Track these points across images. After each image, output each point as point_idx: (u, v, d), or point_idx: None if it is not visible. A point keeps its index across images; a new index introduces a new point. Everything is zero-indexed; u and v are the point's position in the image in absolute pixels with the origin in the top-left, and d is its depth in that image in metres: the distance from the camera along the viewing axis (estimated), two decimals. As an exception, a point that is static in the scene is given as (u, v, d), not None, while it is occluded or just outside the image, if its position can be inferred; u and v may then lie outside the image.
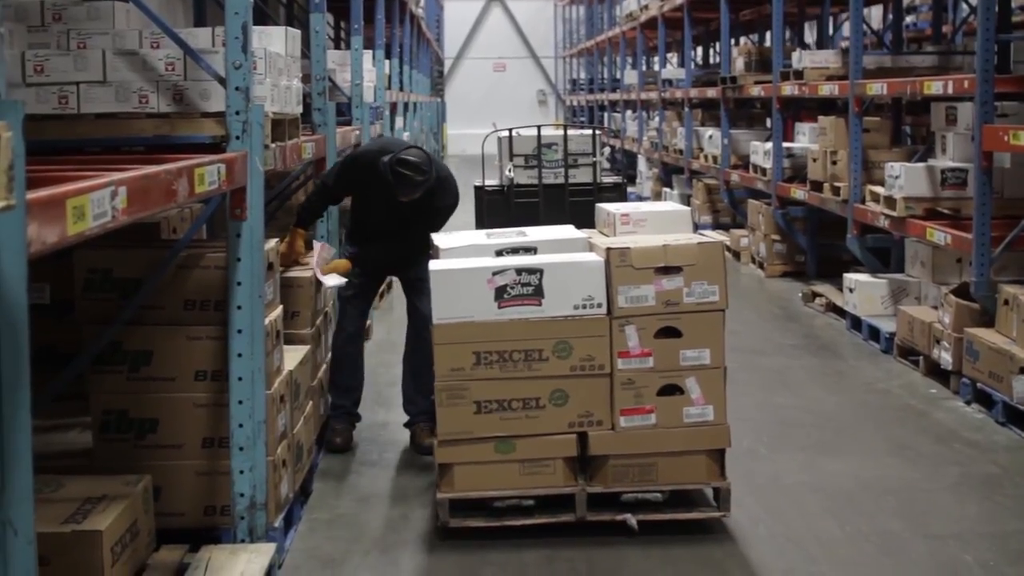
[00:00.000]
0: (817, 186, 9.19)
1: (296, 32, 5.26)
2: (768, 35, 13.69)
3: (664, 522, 4.46)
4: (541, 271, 4.42)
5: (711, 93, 12.98)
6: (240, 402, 3.98)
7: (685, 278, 4.44)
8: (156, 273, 4.03)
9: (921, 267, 7.73)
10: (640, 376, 4.45)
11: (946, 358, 6.58)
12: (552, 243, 4.77)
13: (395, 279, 6.08)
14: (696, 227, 10.12)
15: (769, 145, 10.62)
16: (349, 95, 8.10)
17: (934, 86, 7.10)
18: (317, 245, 5.43)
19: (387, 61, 11.14)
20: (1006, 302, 6.15)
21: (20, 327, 2.13)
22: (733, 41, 13.69)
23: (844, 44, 12.87)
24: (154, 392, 4.10)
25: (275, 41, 5.00)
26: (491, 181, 8.28)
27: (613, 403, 4.45)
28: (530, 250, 4.71)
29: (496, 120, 14.23)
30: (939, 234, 6.91)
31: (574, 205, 7.89)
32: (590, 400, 4.45)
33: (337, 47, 13.25)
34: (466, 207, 6.48)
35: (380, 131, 9.38)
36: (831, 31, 13.75)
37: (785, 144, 10.45)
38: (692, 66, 15.89)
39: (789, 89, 10.04)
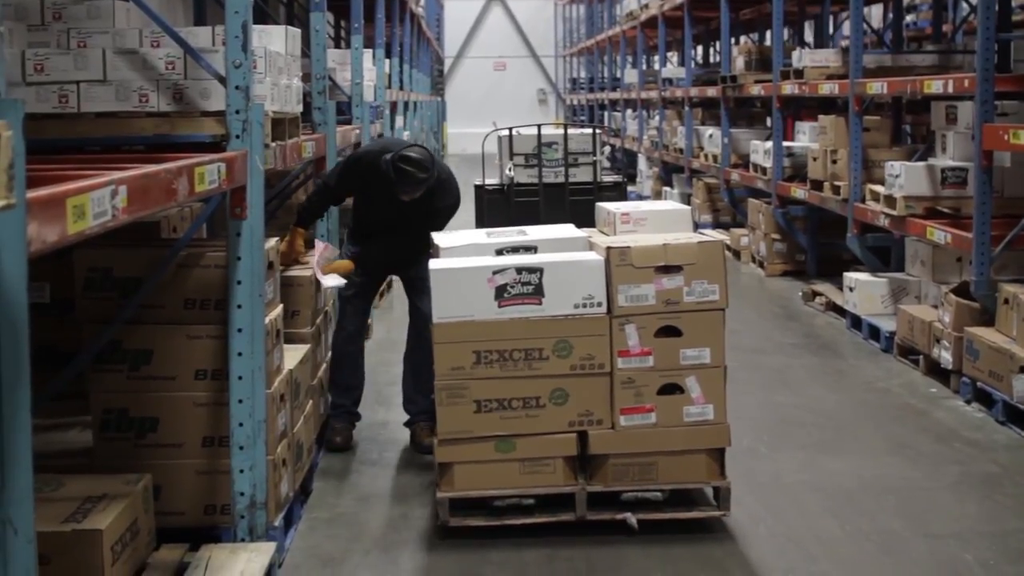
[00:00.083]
0: (817, 185, 9.19)
1: (296, 31, 5.26)
2: (768, 34, 13.69)
3: (664, 521, 4.46)
4: (541, 270, 4.42)
5: (711, 92, 12.97)
6: (240, 401, 3.98)
7: (685, 277, 4.44)
8: (156, 272, 4.03)
9: (921, 266, 7.72)
10: (640, 375, 4.45)
11: (946, 357, 6.58)
12: (552, 242, 4.77)
13: (395, 278, 6.08)
14: (696, 226, 10.15)
15: (769, 144, 10.61)
16: (349, 94, 8.10)
17: (934, 85, 7.10)
18: (318, 245, 5.43)
19: (387, 60, 11.13)
20: (1006, 301, 6.15)
21: (20, 326, 2.13)
22: (733, 40, 13.69)
23: (844, 43, 12.88)
24: (154, 391, 4.10)
25: (275, 40, 5.00)
26: (491, 180, 8.29)
27: (613, 402, 4.45)
28: (530, 249, 4.71)
29: (496, 119, 14.25)
30: (939, 233, 6.91)
31: (574, 204, 7.90)
32: (590, 399, 4.45)
33: (337, 46, 13.25)
34: (466, 206, 6.47)
35: (380, 130, 9.38)
36: (831, 30, 13.75)
37: (785, 143, 10.45)
38: (692, 65, 15.89)
39: (789, 88, 10.03)
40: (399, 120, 12.38)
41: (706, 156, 13.21)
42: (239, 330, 3.96)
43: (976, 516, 4.73)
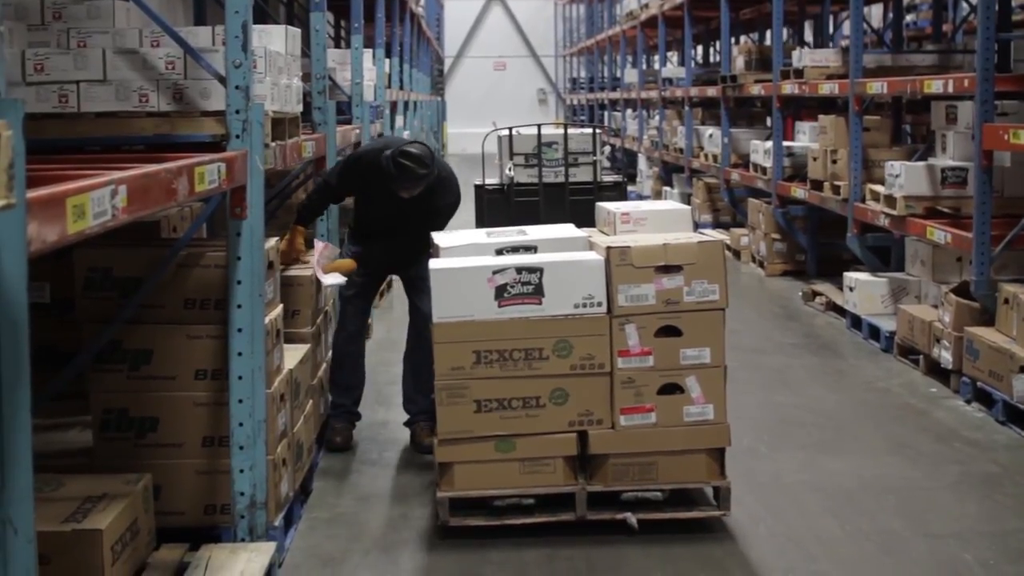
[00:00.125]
0: (817, 185, 9.19)
1: (296, 31, 5.26)
2: (768, 34, 13.69)
3: (664, 521, 4.46)
4: (541, 270, 4.42)
5: (711, 92, 12.97)
6: (240, 401, 3.98)
7: (685, 277, 4.44)
8: (156, 272, 4.03)
9: (921, 266, 7.72)
10: (640, 375, 4.45)
11: (946, 357, 6.58)
12: (552, 242, 4.77)
13: (395, 278, 6.08)
14: (696, 226, 10.15)
15: (769, 144, 10.61)
16: (349, 94, 8.10)
17: (934, 85, 7.10)
18: (319, 244, 5.43)
19: (387, 60, 11.13)
20: (1006, 301, 6.15)
21: (20, 326, 2.13)
22: (733, 40, 13.69)
23: (844, 43, 12.89)
24: (154, 391, 4.10)
25: (275, 40, 5.00)
26: (491, 180, 8.28)
27: (613, 402, 4.45)
28: (530, 249, 4.71)
29: (496, 119, 14.25)
30: (939, 233, 6.91)
31: (574, 204, 7.90)
32: (590, 399, 4.45)
33: (337, 46, 13.25)
34: (466, 206, 6.47)
35: (380, 130, 9.38)
36: (831, 30, 13.76)
37: (785, 143, 10.45)
38: (692, 65, 15.89)
39: (789, 88, 10.03)
40: (399, 120, 12.39)
41: (706, 156, 13.21)
42: (239, 330, 3.96)
43: (976, 516, 4.73)
